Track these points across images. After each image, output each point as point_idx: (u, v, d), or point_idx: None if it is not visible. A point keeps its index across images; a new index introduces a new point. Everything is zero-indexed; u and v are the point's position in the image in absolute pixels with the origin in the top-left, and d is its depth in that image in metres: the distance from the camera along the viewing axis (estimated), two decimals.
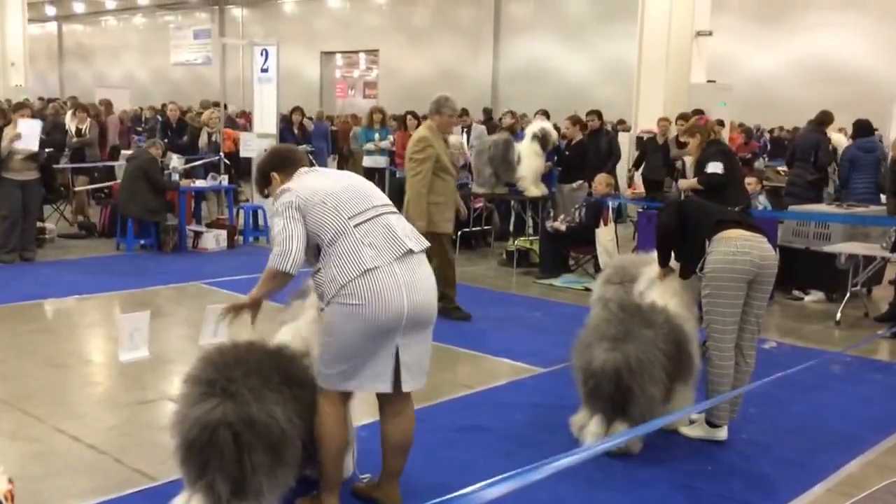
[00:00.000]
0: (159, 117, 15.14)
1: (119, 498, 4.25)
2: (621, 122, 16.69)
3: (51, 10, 45.47)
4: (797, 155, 12.02)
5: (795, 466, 4.93)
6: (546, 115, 13.02)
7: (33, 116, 10.81)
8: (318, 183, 3.85)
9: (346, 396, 3.93)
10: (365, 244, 3.70)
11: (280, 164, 4.03)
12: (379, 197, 3.95)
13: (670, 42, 15.14)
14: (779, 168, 15.02)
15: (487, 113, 18.93)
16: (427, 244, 3.97)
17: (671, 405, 5.08)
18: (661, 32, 15.22)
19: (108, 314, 8.00)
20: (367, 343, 3.72)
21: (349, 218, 3.75)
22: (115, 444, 4.93)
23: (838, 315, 8.51)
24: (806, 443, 5.30)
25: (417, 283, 3.78)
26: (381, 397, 4.01)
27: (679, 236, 5.25)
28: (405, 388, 3.86)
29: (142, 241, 11.29)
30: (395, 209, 3.99)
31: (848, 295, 8.72)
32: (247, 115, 18.57)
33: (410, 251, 3.78)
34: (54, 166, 12.11)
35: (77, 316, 8.25)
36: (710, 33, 15.69)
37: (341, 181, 3.94)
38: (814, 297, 9.52)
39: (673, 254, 5.36)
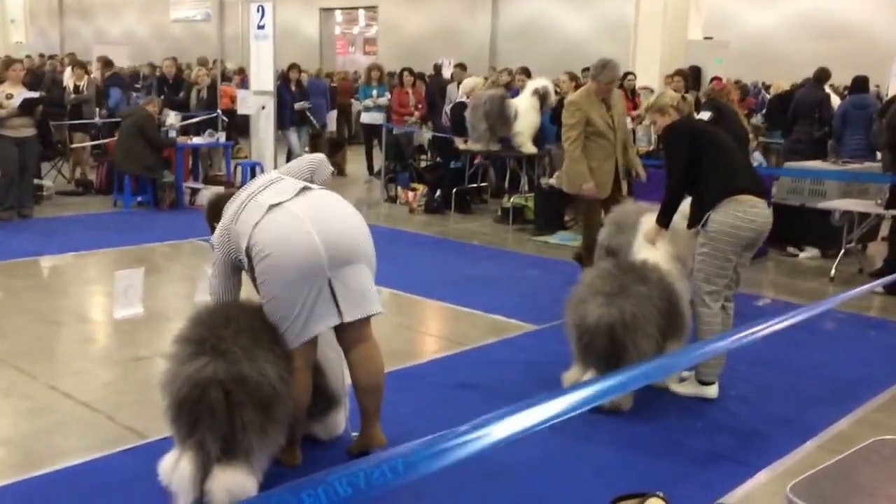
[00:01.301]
0: (157, 74, 15.02)
1: (110, 455, 4.27)
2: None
3: None
4: (800, 113, 11.95)
5: (786, 423, 4.95)
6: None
7: (28, 76, 10.71)
8: (228, 212, 4.00)
9: (308, 356, 3.94)
10: (239, 232, 3.88)
11: (215, 215, 4.20)
12: (263, 181, 4.05)
13: None
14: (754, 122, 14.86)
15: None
16: (315, 185, 4.06)
17: None
18: None
19: (104, 271, 8.01)
20: (299, 290, 3.75)
21: (232, 221, 3.92)
22: (109, 402, 4.95)
23: (832, 271, 8.51)
24: (797, 399, 5.32)
25: (326, 217, 3.85)
26: (342, 342, 4.08)
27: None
28: (347, 317, 3.88)
29: (139, 198, 11.29)
30: (282, 176, 4.08)
31: (842, 251, 8.72)
32: (243, 73, 18.37)
33: (277, 204, 3.83)
34: (52, 123, 12.13)
35: (73, 273, 8.26)
36: None
37: (246, 189, 4.06)
38: (809, 253, 9.53)
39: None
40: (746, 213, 4.94)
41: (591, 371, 4.94)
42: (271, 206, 3.83)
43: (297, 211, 3.82)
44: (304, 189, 3.96)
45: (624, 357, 4.80)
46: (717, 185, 5.02)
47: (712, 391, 5.20)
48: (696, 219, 5.11)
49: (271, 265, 3.75)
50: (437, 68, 19.48)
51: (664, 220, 5.29)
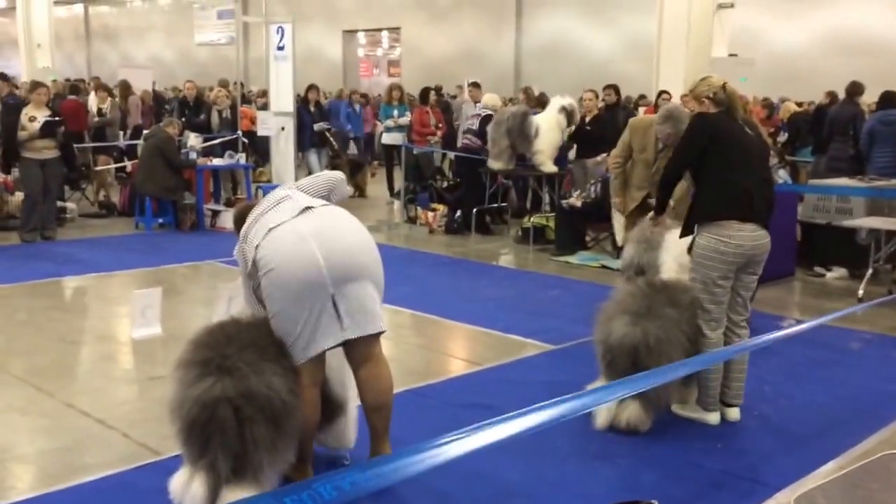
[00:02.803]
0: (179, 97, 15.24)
1: (124, 472, 4.28)
2: (642, 97, 16.45)
3: None
4: (835, 130, 11.80)
5: (807, 444, 4.85)
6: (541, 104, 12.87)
7: (50, 101, 10.83)
8: (244, 227, 4.03)
9: (315, 373, 3.92)
10: (246, 250, 3.92)
11: (240, 225, 4.21)
12: (274, 198, 4.05)
13: (691, 15, 14.87)
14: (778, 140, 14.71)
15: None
16: (320, 202, 4.04)
17: (688, 389, 5.10)
18: (681, 5, 14.95)
19: (124, 292, 8.02)
20: (302, 305, 3.75)
21: (242, 239, 3.97)
22: (124, 420, 4.97)
23: (860, 292, 8.32)
24: (820, 420, 5.23)
25: (329, 233, 3.84)
26: (350, 359, 4.06)
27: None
28: (349, 333, 3.86)
29: (160, 220, 11.37)
30: (291, 194, 4.06)
31: (870, 271, 8.52)
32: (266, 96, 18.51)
33: (278, 225, 3.84)
34: (75, 146, 12.27)
35: (93, 293, 8.32)
36: (732, 5, 15.46)
37: (261, 205, 4.08)
38: (836, 273, 9.32)
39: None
40: (731, 238, 4.80)
41: None
42: (271, 229, 3.85)
43: (301, 227, 3.83)
44: (308, 209, 3.94)
45: None
46: (705, 206, 4.92)
47: (714, 417, 5.06)
48: (685, 231, 5.05)
49: (274, 280, 3.76)
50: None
51: (660, 202, 5.38)
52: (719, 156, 4.90)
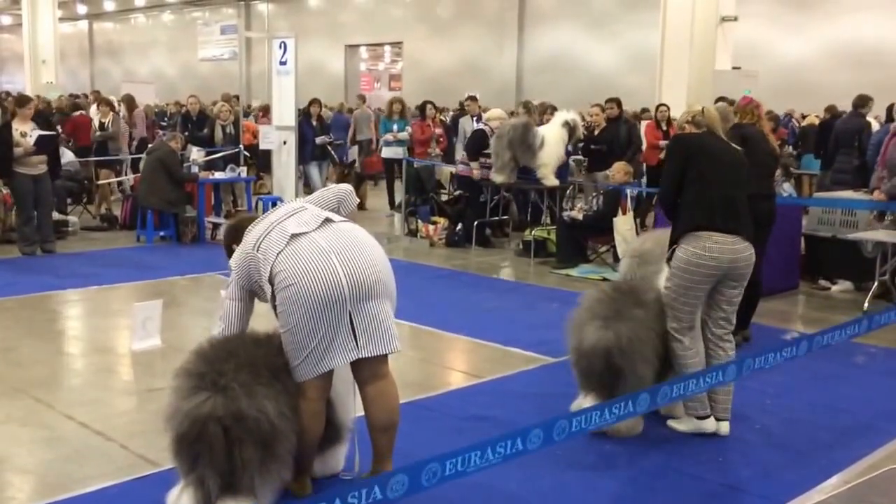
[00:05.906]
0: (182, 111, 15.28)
1: (122, 483, 4.27)
2: (644, 110, 16.44)
3: (82, 9, 45.84)
4: (840, 142, 11.77)
5: (810, 458, 4.82)
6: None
7: (37, 114, 10.80)
8: (249, 237, 4.00)
9: (322, 388, 3.90)
10: (261, 259, 3.87)
11: (234, 237, 4.22)
12: (287, 210, 4.05)
13: (694, 28, 14.89)
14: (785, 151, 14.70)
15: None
16: (337, 216, 4.04)
17: (675, 403, 5.01)
18: (684, 18, 14.98)
19: (125, 304, 8.00)
20: (319, 322, 3.74)
21: (254, 247, 3.91)
22: (123, 431, 4.96)
23: (866, 305, 8.24)
24: (823, 434, 5.19)
25: (351, 251, 3.84)
26: (358, 377, 4.04)
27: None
28: (363, 352, 3.85)
29: (161, 233, 11.36)
30: (306, 206, 4.06)
31: (876, 284, 8.47)
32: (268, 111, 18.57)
33: (301, 234, 3.83)
34: (79, 160, 12.29)
35: (93, 306, 8.29)
36: (736, 18, 15.45)
37: (269, 216, 4.07)
38: (841, 286, 9.26)
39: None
40: (707, 250, 4.81)
41: (591, 396, 4.91)
42: (294, 236, 3.83)
43: (322, 243, 3.81)
44: (327, 220, 3.94)
45: (620, 380, 4.79)
46: (684, 219, 4.96)
47: (709, 424, 5.02)
48: (670, 245, 5.05)
49: (293, 295, 3.73)
50: (462, 104, 19.56)
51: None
52: (696, 171, 5.00)
